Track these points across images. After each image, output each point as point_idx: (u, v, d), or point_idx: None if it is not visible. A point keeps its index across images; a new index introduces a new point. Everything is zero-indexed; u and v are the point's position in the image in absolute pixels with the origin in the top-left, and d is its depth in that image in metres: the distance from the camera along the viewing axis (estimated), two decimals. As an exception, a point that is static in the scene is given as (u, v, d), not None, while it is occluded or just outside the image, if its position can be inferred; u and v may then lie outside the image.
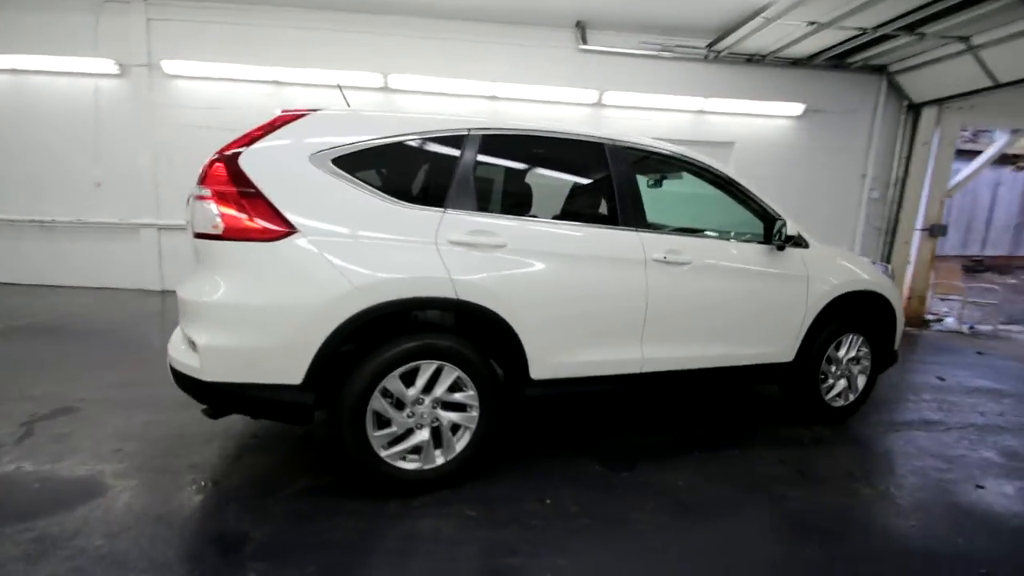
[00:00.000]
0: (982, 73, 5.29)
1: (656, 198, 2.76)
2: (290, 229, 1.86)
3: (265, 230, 1.84)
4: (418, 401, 2.07)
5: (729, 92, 6.25)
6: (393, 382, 2.01)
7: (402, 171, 2.20)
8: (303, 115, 2.02)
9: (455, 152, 2.17)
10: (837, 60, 6.10)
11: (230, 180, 1.86)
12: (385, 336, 2.02)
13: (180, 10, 5.67)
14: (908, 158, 6.57)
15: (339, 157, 1.98)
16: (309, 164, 1.94)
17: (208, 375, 1.83)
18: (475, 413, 2.16)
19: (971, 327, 6.59)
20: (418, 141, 2.15)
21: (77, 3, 5.61)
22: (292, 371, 1.87)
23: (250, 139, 1.95)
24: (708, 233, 2.76)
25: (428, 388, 2.08)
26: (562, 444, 2.69)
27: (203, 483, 2.18)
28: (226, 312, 1.85)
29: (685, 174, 2.86)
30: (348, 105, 2.51)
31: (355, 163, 2.01)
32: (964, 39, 5.10)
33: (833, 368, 3.09)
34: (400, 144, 2.11)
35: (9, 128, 5.87)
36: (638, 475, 2.43)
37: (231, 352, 1.84)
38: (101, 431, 2.60)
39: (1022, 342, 6.08)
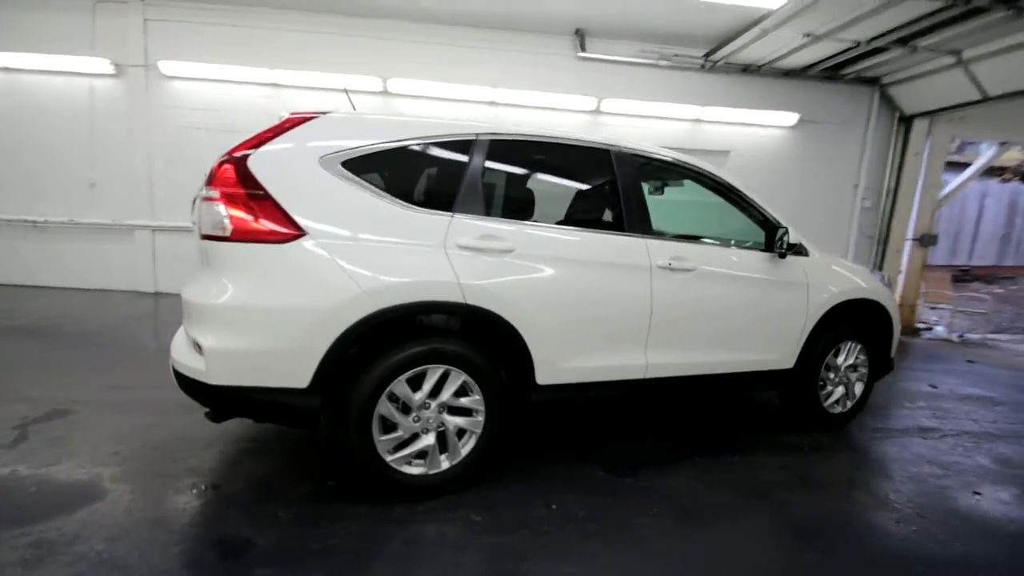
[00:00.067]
0: (972, 86, 5.40)
1: (660, 205, 2.78)
2: (299, 232, 1.86)
3: (274, 232, 1.84)
4: (424, 406, 2.06)
5: (725, 101, 6.33)
6: (400, 386, 2.00)
7: (411, 175, 2.20)
8: (312, 118, 2.02)
9: (464, 156, 2.17)
10: (831, 72, 6.20)
11: (239, 182, 1.85)
12: (390, 340, 2.01)
13: (177, 11, 5.65)
14: (900, 169, 6.69)
15: (348, 160, 1.98)
16: (319, 167, 1.94)
17: (214, 378, 1.81)
18: (481, 418, 2.16)
19: (960, 335, 6.70)
20: (427, 145, 2.15)
21: (73, 2, 5.57)
22: (299, 374, 1.86)
23: (259, 141, 1.94)
24: (711, 240, 2.79)
25: (434, 393, 2.07)
26: (565, 449, 2.69)
27: (203, 487, 2.15)
28: (233, 314, 1.83)
29: (687, 181, 2.89)
30: (354, 108, 2.52)
31: (364, 166, 2.00)
32: (955, 53, 5.21)
33: (832, 375, 3.12)
34: (409, 148, 2.11)
35: (3, 127, 5.79)
36: (641, 480, 2.43)
37: (238, 355, 1.82)
38: (97, 434, 2.56)
39: (1010, 351, 6.19)
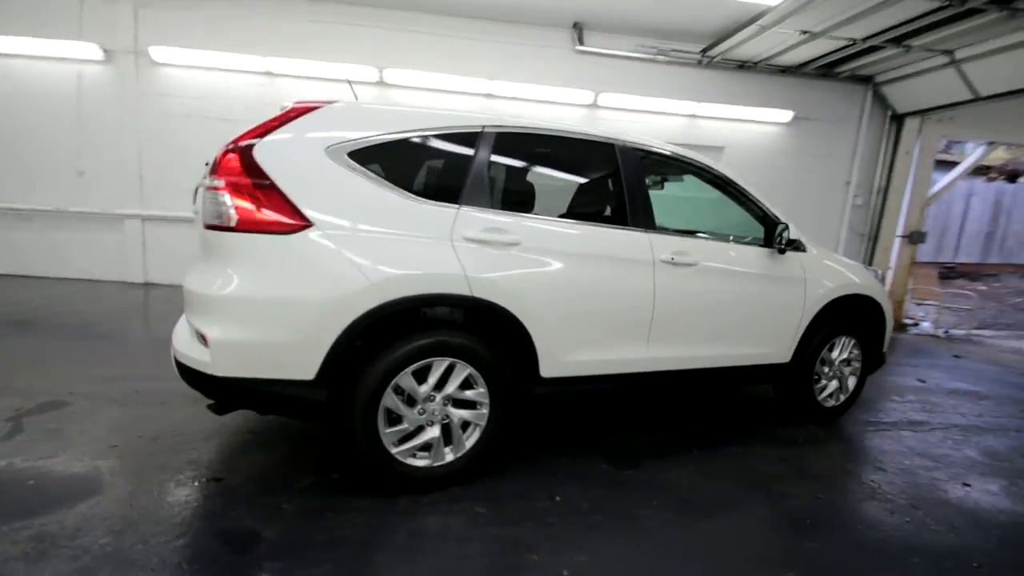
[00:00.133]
0: (964, 86, 5.48)
1: (662, 200, 2.79)
2: (306, 223, 1.84)
3: (280, 223, 1.82)
4: (430, 398, 2.06)
5: (721, 97, 6.35)
6: (406, 379, 1.99)
7: (418, 166, 2.19)
8: (318, 107, 2.00)
9: (471, 148, 2.16)
10: (825, 69, 6.25)
11: (244, 171, 1.82)
12: (395, 333, 2.01)
13: (169, -4, 5.53)
14: (891, 166, 6.77)
15: (355, 151, 1.96)
16: (325, 157, 1.91)
17: (219, 370, 1.80)
18: (485, 410, 2.16)
19: (946, 331, 6.84)
20: (434, 137, 2.14)
21: (61, -15, 5.42)
22: (306, 366, 1.85)
23: (264, 130, 1.91)
24: (712, 235, 2.81)
25: (439, 385, 2.07)
26: (567, 442, 2.71)
27: (206, 480, 2.14)
28: (240, 306, 1.81)
29: (687, 176, 2.91)
30: (356, 98, 2.49)
31: (371, 157, 1.99)
32: (948, 53, 5.28)
33: (826, 369, 3.17)
34: (416, 139, 2.10)
35: (-14, 112, 5.65)
36: (642, 473, 2.46)
37: (244, 346, 1.81)
38: (94, 426, 2.53)
39: (995, 347, 6.33)
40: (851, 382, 3.28)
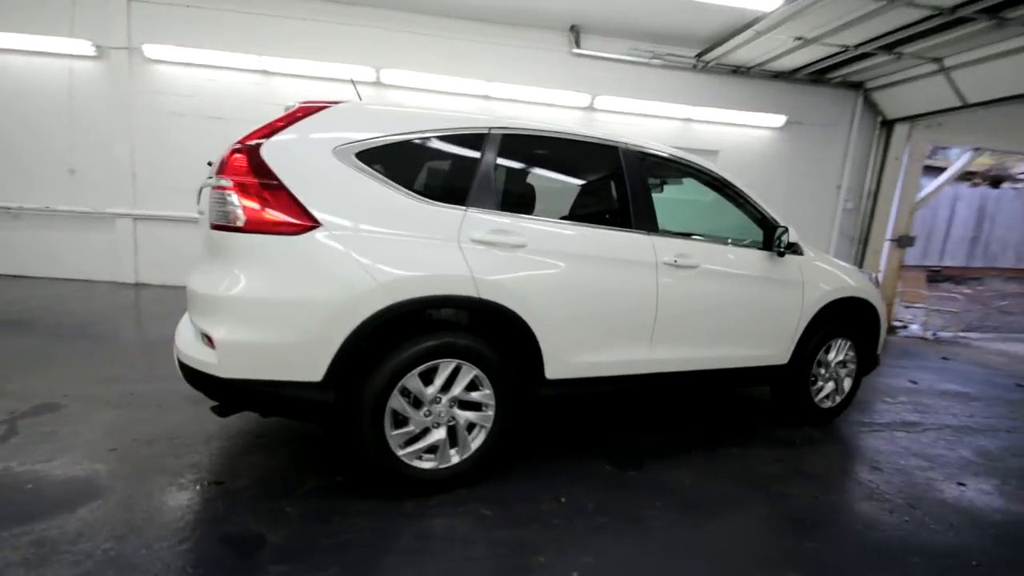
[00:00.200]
0: (952, 93, 5.59)
1: (663, 203, 2.81)
2: (314, 223, 1.83)
3: (288, 224, 1.80)
4: (436, 400, 2.05)
5: (715, 102, 6.42)
6: (412, 380, 1.99)
7: (425, 168, 2.19)
8: (325, 107, 1.99)
9: (477, 150, 2.16)
10: (817, 75, 6.34)
11: (251, 171, 1.80)
12: (401, 334, 2.00)
13: (164, -8, 5.46)
14: (880, 171, 6.88)
15: (362, 151, 1.95)
16: (333, 158, 1.90)
17: (226, 371, 1.78)
18: (491, 412, 2.16)
19: (934, 334, 6.96)
20: (441, 138, 2.14)
21: (51, -20, 5.34)
22: (313, 368, 1.83)
23: (270, 130, 1.90)
24: (713, 238, 2.84)
25: (445, 387, 2.07)
26: (570, 444, 2.72)
27: (207, 483, 2.11)
28: (247, 307, 1.79)
29: (686, 179, 2.93)
30: (360, 99, 2.48)
31: (378, 158, 1.98)
32: (937, 60, 5.38)
33: (823, 371, 3.21)
34: (423, 141, 2.10)
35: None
36: (646, 474, 2.48)
37: (251, 348, 1.79)
38: (90, 429, 2.49)
39: (982, 348, 6.45)
40: (847, 383, 3.33)
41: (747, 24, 5.07)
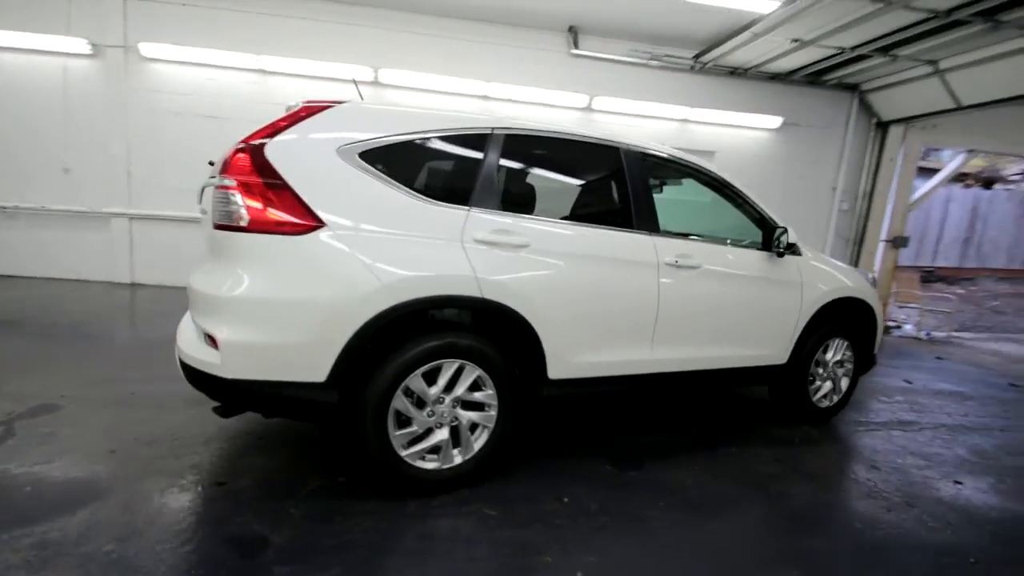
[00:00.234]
0: (947, 95, 5.64)
1: (663, 203, 2.82)
2: (318, 223, 1.82)
3: (292, 224, 1.80)
4: (439, 400, 2.05)
5: (712, 103, 6.45)
6: (416, 381, 1.99)
7: (428, 168, 2.19)
8: (328, 107, 1.98)
9: (480, 150, 2.17)
10: (813, 77, 6.39)
11: (255, 171, 1.80)
12: (404, 335, 2.00)
13: (160, -9, 5.43)
14: (875, 173, 6.93)
15: (366, 151, 1.95)
16: (336, 157, 1.90)
17: (229, 372, 1.77)
18: (493, 412, 2.17)
19: (928, 334, 7.02)
20: (444, 138, 2.14)
21: (46, -23, 5.29)
22: (317, 368, 1.83)
23: (274, 130, 1.90)
24: (714, 239, 2.85)
25: (448, 387, 2.07)
26: (571, 444, 2.73)
27: (209, 485, 2.10)
28: (251, 307, 1.79)
29: (685, 179, 2.95)
30: (362, 99, 2.47)
31: (382, 158, 1.98)
32: (932, 63, 5.43)
33: (821, 370, 3.24)
34: (427, 141, 2.10)
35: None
36: (647, 473, 2.49)
37: (255, 348, 1.78)
38: (89, 431, 2.47)
39: (975, 348, 6.51)
40: (844, 383, 3.36)
41: (744, 26, 5.10)
